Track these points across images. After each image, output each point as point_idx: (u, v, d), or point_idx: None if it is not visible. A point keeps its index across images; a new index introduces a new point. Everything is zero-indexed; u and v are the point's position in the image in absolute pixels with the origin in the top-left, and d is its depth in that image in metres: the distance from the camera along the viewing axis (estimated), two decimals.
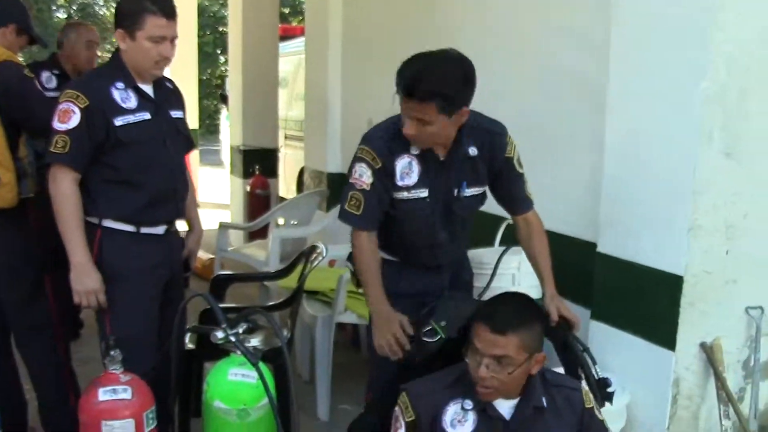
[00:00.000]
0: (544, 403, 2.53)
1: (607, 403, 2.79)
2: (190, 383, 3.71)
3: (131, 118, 3.13)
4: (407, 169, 2.95)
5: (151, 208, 3.23)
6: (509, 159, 3.03)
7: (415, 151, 2.93)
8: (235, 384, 2.67)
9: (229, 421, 2.67)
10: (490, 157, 3.01)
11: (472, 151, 2.97)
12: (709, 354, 3.49)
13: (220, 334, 2.63)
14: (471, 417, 2.50)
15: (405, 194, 2.96)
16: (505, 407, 2.51)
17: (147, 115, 3.19)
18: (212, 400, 2.69)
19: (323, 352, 4.32)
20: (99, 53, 5.48)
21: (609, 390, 2.79)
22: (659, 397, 3.49)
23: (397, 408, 2.60)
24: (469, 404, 2.50)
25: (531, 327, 2.47)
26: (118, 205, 3.18)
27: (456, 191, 2.99)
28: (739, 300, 3.57)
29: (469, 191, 3.02)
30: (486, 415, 2.50)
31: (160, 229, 3.30)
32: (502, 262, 3.47)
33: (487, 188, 3.10)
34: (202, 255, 7.41)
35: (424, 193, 2.97)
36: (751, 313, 3.61)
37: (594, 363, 2.85)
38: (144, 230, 3.24)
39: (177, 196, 3.38)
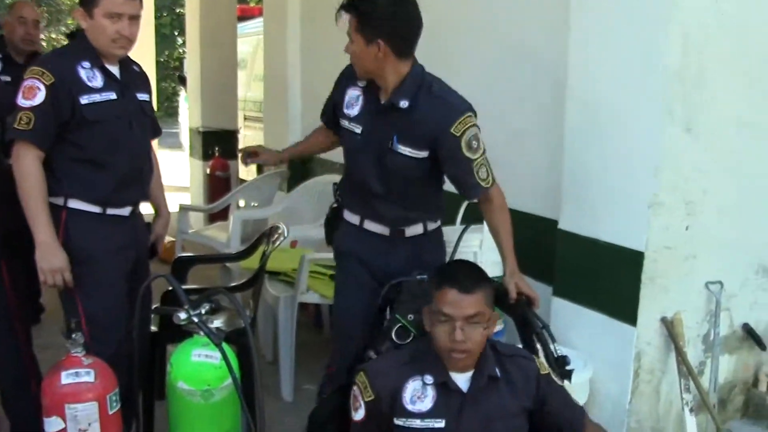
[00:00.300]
0: (498, 373, 2.57)
1: (566, 381, 2.82)
2: (153, 365, 3.68)
3: (97, 97, 3.11)
4: (354, 101, 3.10)
5: (118, 189, 3.21)
6: (453, 137, 2.94)
7: (361, 83, 3.06)
8: (199, 365, 2.65)
9: (193, 402, 2.65)
10: (433, 125, 2.97)
11: (403, 103, 2.97)
12: (670, 329, 3.52)
13: (182, 315, 2.60)
14: (430, 392, 2.53)
15: (346, 123, 3.11)
16: (461, 380, 2.55)
17: (113, 95, 3.16)
18: (176, 381, 2.66)
19: (286, 332, 4.30)
20: (54, 36, 5.41)
21: (567, 368, 2.82)
22: (621, 371, 3.52)
23: (355, 387, 2.62)
24: (429, 379, 2.53)
25: (488, 285, 2.56)
26: (84, 186, 3.15)
27: (389, 143, 3.00)
28: (699, 275, 3.61)
29: (402, 148, 3.00)
30: (445, 389, 2.53)
31: (125, 211, 3.27)
32: (464, 239, 3.47)
33: (425, 156, 3.03)
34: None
35: (357, 129, 3.08)
36: (710, 288, 3.65)
37: (553, 341, 2.87)
38: (110, 211, 3.21)
39: (143, 177, 3.37)
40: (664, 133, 3.30)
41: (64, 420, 2.59)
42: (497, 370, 2.59)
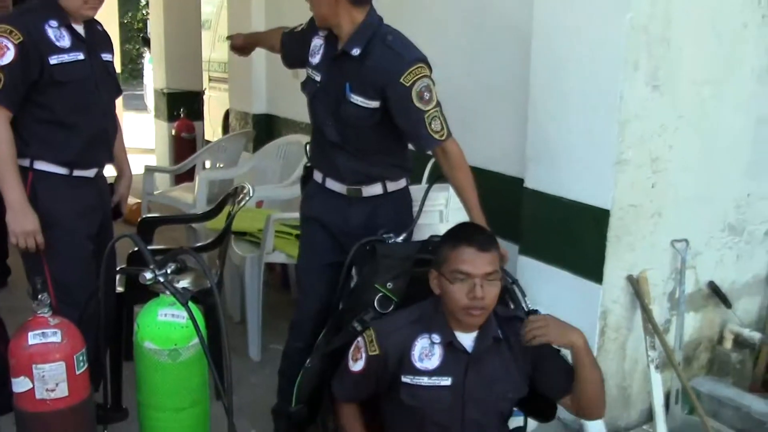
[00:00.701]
0: (501, 335, 2.62)
1: None
2: (120, 326, 3.66)
3: (65, 58, 3.08)
4: (317, 50, 3.15)
5: (85, 151, 3.19)
6: (403, 86, 2.92)
7: (322, 32, 3.11)
8: (165, 324, 2.63)
9: (160, 362, 2.64)
10: (383, 75, 2.95)
11: (355, 51, 2.98)
12: (636, 287, 3.55)
13: (148, 275, 2.57)
14: (437, 351, 2.57)
15: (309, 71, 3.16)
16: (466, 340, 2.58)
17: (81, 56, 3.14)
18: (142, 342, 2.64)
19: (253, 292, 4.30)
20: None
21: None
22: (587, 329, 3.48)
23: (360, 339, 2.65)
24: (437, 338, 2.57)
25: (498, 245, 2.60)
26: (51, 147, 3.12)
27: (343, 92, 3.02)
28: (664, 233, 3.63)
29: (354, 97, 3.00)
30: (451, 348, 2.56)
31: (91, 172, 3.26)
32: (430, 198, 3.46)
33: (376, 107, 3.02)
34: (129, 200, 7.30)
35: (317, 77, 3.12)
36: (676, 246, 3.67)
37: (523, 295, 2.88)
38: (77, 173, 3.20)
39: (108, 138, 3.36)
40: (630, 89, 3.29)
41: (32, 380, 2.57)
42: (500, 332, 2.63)
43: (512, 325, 2.66)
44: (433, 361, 2.56)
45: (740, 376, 4.06)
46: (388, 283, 2.80)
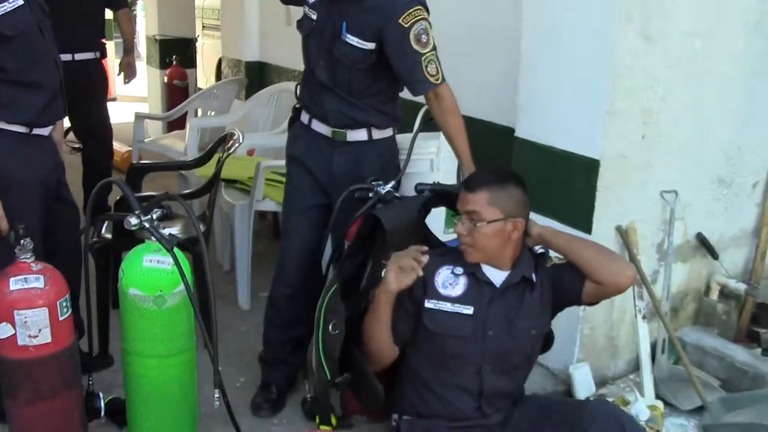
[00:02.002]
0: (534, 278, 2.72)
1: None
2: (107, 274, 3.66)
3: (6, 6, 2.88)
4: None
5: (46, 109, 3.07)
6: (401, 27, 2.93)
7: None
8: (151, 270, 2.62)
9: (145, 308, 2.63)
10: (382, 15, 2.96)
11: None
12: (625, 237, 3.55)
13: (133, 221, 2.57)
14: (462, 281, 2.68)
15: (306, 9, 3.17)
16: (495, 276, 2.70)
17: (20, 1, 2.93)
18: (127, 288, 2.64)
19: (242, 240, 4.29)
20: None
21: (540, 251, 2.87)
22: None
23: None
24: (459, 270, 2.69)
25: (503, 187, 2.66)
26: (10, 108, 2.97)
27: (339, 32, 3.00)
28: (654, 184, 3.62)
29: (350, 38, 3.00)
30: (476, 279, 2.67)
31: (47, 130, 3.14)
32: (420, 147, 3.45)
33: (372, 48, 3.01)
34: (120, 147, 7.28)
35: (314, 15, 3.10)
36: (665, 197, 3.67)
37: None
38: (36, 131, 3.07)
39: (63, 90, 3.21)
40: (622, 40, 3.26)
41: (14, 326, 2.55)
42: (534, 275, 2.74)
43: (542, 260, 2.80)
44: (457, 290, 2.68)
45: (725, 327, 4.08)
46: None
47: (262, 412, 3.31)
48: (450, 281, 2.68)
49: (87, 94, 5.24)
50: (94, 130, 5.64)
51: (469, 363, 2.68)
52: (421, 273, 2.59)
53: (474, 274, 2.68)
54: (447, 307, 2.66)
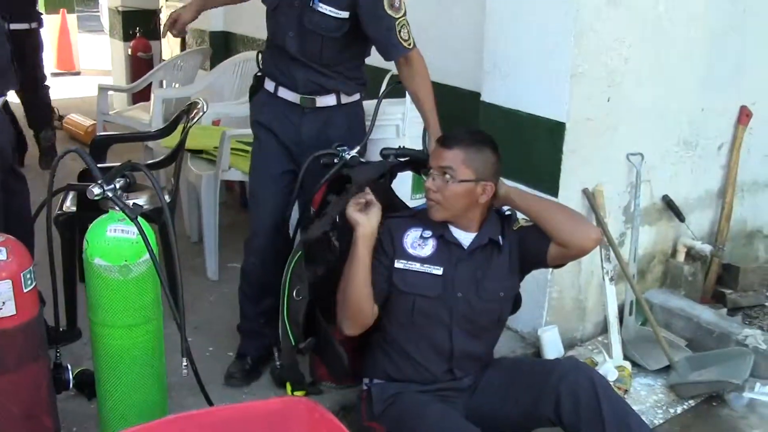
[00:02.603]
0: (501, 240, 2.74)
1: None
2: (73, 247, 3.62)
3: None
4: None
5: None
6: None
7: None
8: (115, 240, 2.58)
9: (111, 278, 2.60)
10: None
11: None
12: (591, 200, 3.56)
13: (96, 190, 2.52)
14: (430, 242, 2.70)
15: None
16: (464, 238, 2.72)
17: None
18: (92, 258, 2.60)
19: (209, 210, 4.26)
20: None
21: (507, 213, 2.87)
22: None
23: None
24: (428, 233, 2.72)
25: (479, 149, 2.66)
26: None
27: (311, 1, 2.97)
28: (620, 147, 3.64)
29: (323, 7, 2.97)
30: (444, 240, 2.69)
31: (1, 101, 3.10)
32: (386, 113, 3.44)
33: (345, 17, 3.00)
34: (83, 120, 7.20)
35: None
36: (631, 159, 3.68)
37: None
38: None
39: (14, 61, 3.16)
40: (586, 1, 3.27)
41: None
42: (501, 238, 2.76)
43: (508, 222, 2.81)
44: (426, 251, 2.70)
45: (692, 288, 4.12)
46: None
47: (233, 382, 3.30)
48: (418, 242, 2.70)
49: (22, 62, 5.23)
50: (30, 89, 5.92)
51: (439, 324, 2.69)
52: (377, 204, 2.66)
53: (443, 236, 2.70)
54: (416, 267, 2.68)
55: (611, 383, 3.26)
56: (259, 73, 3.28)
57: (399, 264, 2.69)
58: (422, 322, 2.69)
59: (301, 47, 3.06)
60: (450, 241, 2.70)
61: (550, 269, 3.53)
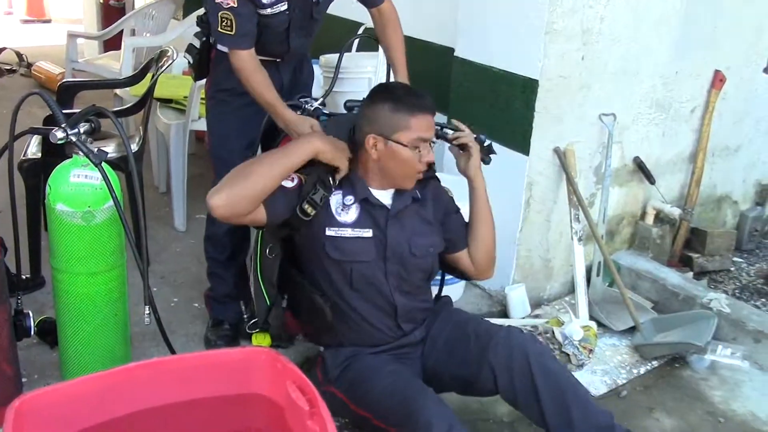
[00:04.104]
0: (419, 195, 2.72)
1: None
2: (38, 194, 3.56)
3: None
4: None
5: None
6: None
7: None
8: (78, 186, 2.55)
9: (73, 224, 2.56)
10: None
11: None
12: (562, 159, 3.55)
13: (59, 134, 2.48)
14: (353, 207, 2.63)
15: (267, 11, 2.83)
16: (383, 197, 2.67)
17: None
18: (55, 204, 2.56)
19: (177, 160, 4.21)
20: None
21: (485, 144, 2.87)
22: (513, 200, 3.56)
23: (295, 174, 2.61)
24: (350, 199, 2.63)
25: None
26: None
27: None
28: (592, 106, 3.62)
29: None
30: (368, 203, 2.64)
31: None
32: (358, 66, 3.42)
33: None
34: (52, 68, 7.10)
35: (283, 6, 2.85)
36: (604, 119, 3.67)
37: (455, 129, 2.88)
38: None
39: None
40: None
41: None
42: (417, 191, 2.72)
43: (428, 184, 2.77)
44: (351, 215, 2.62)
45: (659, 251, 4.14)
46: None
47: (216, 348, 3.26)
48: (341, 209, 2.63)
49: None
50: None
51: (378, 285, 2.66)
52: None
53: (366, 200, 2.64)
54: (348, 233, 2.62)
55: (576, 342, 3.29)
56: (204, 39, 3.06)
57: (330, 231, 2.61)
58: (362, 287, 2.66)
59: (308, 36, 3.05)
60: (374, 203, 2.65)
61: (520, 226, 3.55)
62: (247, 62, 2.76)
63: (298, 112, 2.85)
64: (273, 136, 2.92)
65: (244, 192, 2.44)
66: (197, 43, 3.05)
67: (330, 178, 2.58)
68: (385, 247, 2.64)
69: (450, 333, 2.75)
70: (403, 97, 2.57)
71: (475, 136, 2.82)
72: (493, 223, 2.86)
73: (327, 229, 2.60)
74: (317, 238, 2.61)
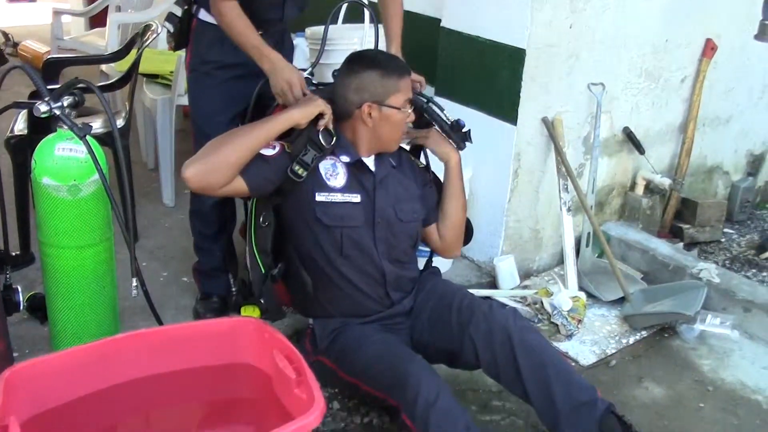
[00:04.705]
0: (393, 162, 2.77)
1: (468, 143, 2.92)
2: (25, 170, 3.54)
3: None
4: None
5: None
6: None
7: None
8: (63, 159, 2.52)
9: (59, 198, 2.54)
10: None
11: None
12: (551, 129, 3.54)
13: (43, 107, 2.46)
14: (341, 171, 2.65)
15: None
16: (369, 162, 2.69)
17: None
18: (40, 178, 2.54)
19: (164, 135, 4.19)
20: None
21: (464, 130, 2.87)
22: (501, 171, 3.55)
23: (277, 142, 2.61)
24: (345, 158, 2.66)
25: None
26: None
27: None
28: (581, 76, 3.61)
29: None
30: (358, 167, 2.67)
31: None
32: (345, 37, 3.41)
33: None
34: (39, 47, 7.05)
35: None
36: (592, 89, 3.66)
37: (441, 110, 2.89)
38: None
39: None
40: None
41: None
42: (391, 160, 2.78)
43: (401, 155, 2.84)
44: (340, 180, 2.64)
45: (649, 222, 4.14)
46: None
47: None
48: (331, 172, 2.64)
49: None
50: None
51: (367, 251, 2.68)
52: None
53: (355, 164, 2.66)
54: (338, 197, 2.63)
55: (565, 312, 3.29)
56: (186, 6, 3.01)
57: (320, 197, 2.61)
58: (352, 252, 2.66)
59: (298, 8, 3.03)
60: (363, 168, 2.67)
61: (508, 197, 3.55)
62: (232, 9, 2.70)
63: None
64: (263, 108, 2.90)
65: (217, 164, 2.43)
66: (178, 12, 3.01)
67: (320, 138, 2.57)
68: (374, 212, 2.66)
69: (434, 306, 2.76)
70: (388, 63, 2.63)
71: (453, 121, 2.85)
72: (465, 201, 2.90)
73: (317, 194, 2.61)
74: (307, 204, 2.62)
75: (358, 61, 2.65)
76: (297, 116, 2.53)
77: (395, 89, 2.58)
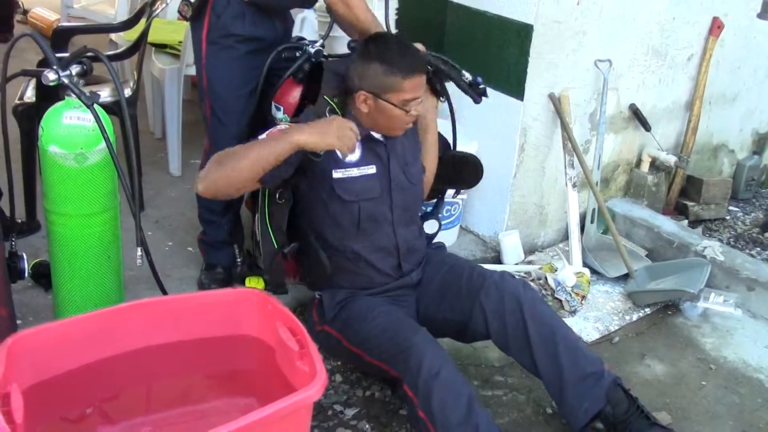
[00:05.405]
0: None
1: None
2: (33, 139, 3.55)
3: None
4: None
5: None
6: None
7: None
8: (71, 127, 2.54)
9: (66, 166, 2.56)
10: None
11: None
12: (557, 105, 3.54)
13: (51, 76, 2.47)
14: (356, 144, 2.59)
15: None
16: (378, 134, 2.70)
17: None
18: (47, 146, 2.56)
19: (172, 105, 4.18)
20: None
21: (480, 87, 2.90)
22: (507, 146, 3.55)
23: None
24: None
25: None
26: None
27: None
28: (588, 52, 3.60)
29: None
30: (368, 141, 2.67)
31: None
32: None
33: None
34: (49, 15, 7.04)
35: None
36: (599, 65, 3.65)
37: (457, 69, 2.92)
38: None
39: None
40: None
41: None
42: None
43: None
44: (355, 154, 2.63)
45: (654, 199, 4.14)
46: (334, 98, 2.73)
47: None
48: None
49: None
50: None
51: (383, 221, 2.70)
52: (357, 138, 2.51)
53: (368, 136, 2.66)
54: (354, 173, 2.64)
55: (569, 288, 3.30)
56: None
57: (337, 174, 2.62)
58: (368, 226, 2.68)
59: None
60: (374, 139, 2.68)
61: (514, 172, 3.55)
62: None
63: (298, 54, 2.84)
64: (272, 83, 2.91)
65: (227, 187, 2.47)
66: None
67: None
68: (390, 180, 2.69)
69: (443, 277, 2.79)
70: (397, 59, 2.53)
71: (471, 79, 2.87)
72: (437, 159, 2.97)
73: (333, 171, 2.62)
74: (325, 182, 2.63)
75: (374, 46, 2.59)
76: (304, 140, 2.41)
77: (397, 88, 2.52)
